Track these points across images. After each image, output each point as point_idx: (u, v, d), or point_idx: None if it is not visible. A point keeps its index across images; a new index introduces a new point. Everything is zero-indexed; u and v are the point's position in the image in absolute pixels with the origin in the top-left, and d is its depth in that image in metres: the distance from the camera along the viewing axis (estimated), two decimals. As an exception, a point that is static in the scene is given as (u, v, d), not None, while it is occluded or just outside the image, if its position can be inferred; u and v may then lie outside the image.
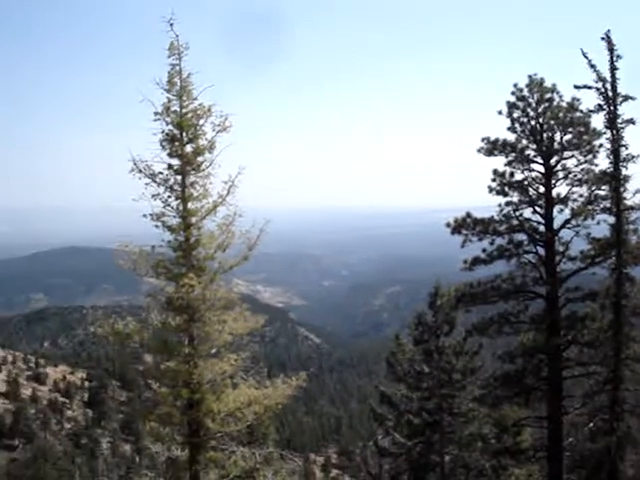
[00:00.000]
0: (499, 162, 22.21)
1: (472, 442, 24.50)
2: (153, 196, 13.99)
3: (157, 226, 14.00)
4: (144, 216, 13.91)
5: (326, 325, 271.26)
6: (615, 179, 20.47)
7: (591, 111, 20.79)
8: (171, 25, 14.37)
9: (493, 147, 22.11)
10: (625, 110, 20.48)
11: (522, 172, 22.12)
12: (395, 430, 25.65)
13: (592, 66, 20.10)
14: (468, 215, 22.14)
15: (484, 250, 22.14)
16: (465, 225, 22.10)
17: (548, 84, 21.53)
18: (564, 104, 21.26)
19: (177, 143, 14.18)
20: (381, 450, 26.38)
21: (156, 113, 14.17)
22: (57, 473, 79.38)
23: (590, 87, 20.30)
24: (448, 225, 22.24)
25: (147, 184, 13.98)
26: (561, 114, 21.18)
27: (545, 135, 21.55)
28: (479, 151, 22.30)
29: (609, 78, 20.18)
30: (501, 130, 22.23)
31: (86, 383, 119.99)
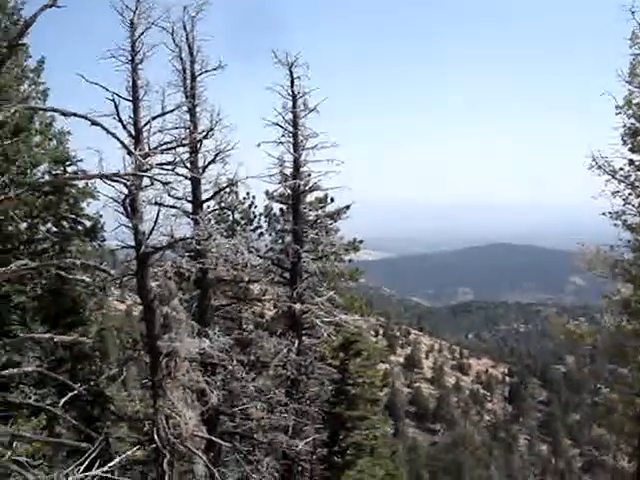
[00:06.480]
0: None
1: None
2: (613, 193, 13.44)
3: (616, 225, 13.40)
4: (603, 214, 13.41)
5: None
6: None
7: None
8: (632, 13, 13.67)
9: None
10: None
11: None
12: None
13: None
14: None
15: None
16: None
17: None
18: None
19: (643, 137, 13.37)
20: None
21: (617, 107, 13.59)
22: (474, 462, 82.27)
23: None
24: None
25: (607, 181, 13.49)
26: None
27: None
28: None
29: None
30: None
31: (507, 378, 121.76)
